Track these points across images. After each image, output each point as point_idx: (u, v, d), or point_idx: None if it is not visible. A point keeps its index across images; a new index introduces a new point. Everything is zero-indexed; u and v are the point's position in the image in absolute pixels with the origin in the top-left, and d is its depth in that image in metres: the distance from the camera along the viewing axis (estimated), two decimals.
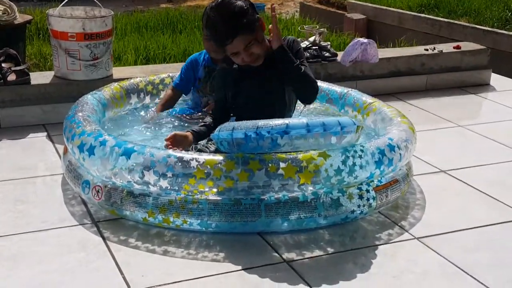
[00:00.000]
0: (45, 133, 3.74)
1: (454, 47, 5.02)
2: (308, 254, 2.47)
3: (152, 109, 3.63)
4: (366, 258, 2.46)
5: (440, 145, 3.72)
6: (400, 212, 2.84)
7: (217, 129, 2.59)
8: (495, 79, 5.05)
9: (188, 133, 2.83)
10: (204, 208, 2.54)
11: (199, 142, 2.90)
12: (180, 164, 2.51)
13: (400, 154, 2.76)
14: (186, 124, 3.39)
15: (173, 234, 2.59)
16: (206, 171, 2.49)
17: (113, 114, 3.50)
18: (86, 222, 2.69)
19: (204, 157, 2.54)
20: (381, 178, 2.74)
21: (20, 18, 4.74)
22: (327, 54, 4.52)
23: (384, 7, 8.53)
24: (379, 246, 2.55)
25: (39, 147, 3.55)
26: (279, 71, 2.85)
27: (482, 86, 4.94)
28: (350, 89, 3.65)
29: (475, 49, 5.05)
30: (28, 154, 3.43)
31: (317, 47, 4.51)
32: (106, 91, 3.48)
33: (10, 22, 4.60)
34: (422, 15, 8.06)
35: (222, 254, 2.46)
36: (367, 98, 3.49)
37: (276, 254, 2.47)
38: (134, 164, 2.55)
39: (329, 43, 4.68)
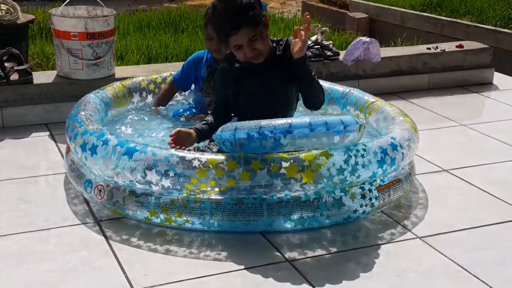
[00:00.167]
0: (48, 133, 3.75)
1: (456, 46, 5.01)
2: (310, 254, 2.47)
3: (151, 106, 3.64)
4: (368, 257, 2.46)
5: (443, 144, 3.72)
6: (403, 211, 2.84)
7: (219, 129, 2.58)
8: (498, 78, 5.04)
9: (192, 131, 2.83)
10: (206, 208, 2.54)
11: (201, 143, 2.90)
12: (182, 163, 2.51)
13: (403, 153, 2.76)
14: (189, 122, 3.39)
15: (175, 233, 2.59)
16: (208, 171, 2.49)
17: (115, 113, 3.50)
18: (88, 221, 2.69)
19: (206, 156, 2.54)
20: (383, 178, 2.74)
21: (22, 17, 4.74)
22: (329, 53, 4.51)
23: (386, 6, 8.51)
24: (381, 246, 2.55)
25: (41, 146, 3.56)
26: (291, 76, 2.86)
27: (485, 85, 4.93)
28: (352, 88, 3.65)
29: (478, 48, 5.04)
30: (30, 153, 3.44)
31: (319, 46, 4.50)
32: (109, 90, 3.48)
33: (13, 22, 4.61)
34: (425, 14, 8.04)
35: (224, 253, 2.46)
36: (369, 97, 3.49)
37: (278, 253, 2.47)
38: (137, 164, 2.56)
39: (331, 42, 4.68)
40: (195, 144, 2.87)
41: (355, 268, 2.39)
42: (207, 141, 2.96)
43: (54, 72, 4.08)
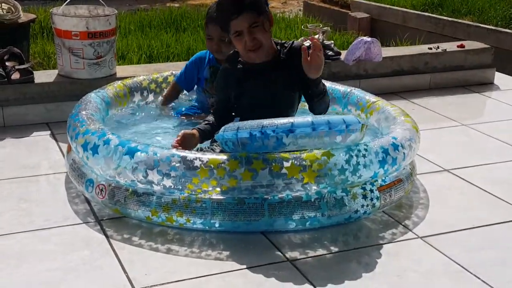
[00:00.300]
0: (49, 132, 3.75)
1: (458, 46, 5.00)
2: (311, 253, 2.47)
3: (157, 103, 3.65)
4: (369, 257, 2.46)
5: (444, 144, 3.71)
6: (404, 211, 2.84)
7: (221, 129, 2.58)
8: (499, 78, 5.04)
9: (195, 131, 2.83)
10: (208, 207, 2.54)
11: (203, 144, 2.90)
12: (183, 163, 2.51)
13: (404, 153, 2.75)
14: (192, 122, 3.40)
15: (176, 233, 2.59)
16: (209, 171, 2.49)
17: (116, 112, 3.51)
18: (89, 221, 2.69)
19: (207, 156, 2.54)
20: (385, 178, 2.74)
21: (24, 17, 4.74)
22: (330, 53, 4.51)
23: (388, 6, 8.51)
24: (382, 245, 2.55)
25: (42, 145, 3.56)
26: (295, 81, 2.87)
27: (486, 85, 4.93)
28: (353, 88, 3.64)
29: (479, 48, 5.04)
30: (31, 153, 3.44)
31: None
32: (110, 90, 3.48)
33: (14, 21, 4.61)
34: (426, 14, 8.04)
35: (225, 253, 2.46)
36: (371, 97, 3.48)
37: (280, 253, 2.47)
38: (138, 164, 2.56)
39: (332, 41, 4.68)
40: (199, 145, 2.87)
41: (356, 268, 2.39)
42: (210, 142, 2.96)
43: (55, 72, 4.09)
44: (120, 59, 5.35)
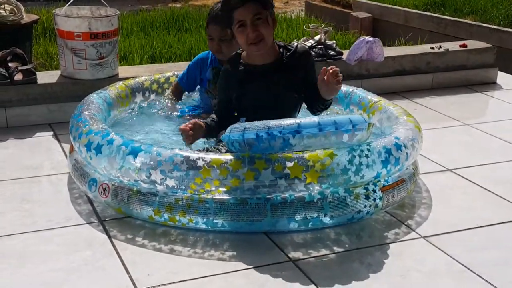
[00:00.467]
0: (51, 132, 3.75)
1: (460, 46, 5.00)
2: (314, 253, 2.47)
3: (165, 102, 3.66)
4: (372, 257, 2.46)
5: (447, 144, 3.71)
6: (407, 211, 2.83)
7: (228, 130, 2.58)
8: (502, 77, 5.04)
9: (203, 124, 2.84)
10: (210, 207, 2.54)
11: (209, 144, 2.91)
12: (186, 163, 2.51)
13: (407, 153, 2.75)
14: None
15: (179, 233, 2.59)
16: (212, 170, 2.49)
17: (118, 113, 3.51)
18: (92, 221, 2.69)
19: (210, 156, 2.54)
20: (387, 178, 2.73)
21: (26, 17, 4.75)
22: (332, 53, 4.51)
23: (390, 6, 8.51)
24: (385, 245, 2.55)
25: (45, 146, 3.56)
26: (298, 84, 2.90)
27: (489, 84, 4.93)
28: (355, 87, 3.64)
29: (481, 47, 5.03)
30: (34, 153, 3.44)
31: (322, 46, 4.50)
32: (112, 90, 3.48)
33: (17, 22, 4.61)
34: (428, 13, 8.03)
35: (228, 253, 2.46)
36: (373, 97, 3.48)
37: (282, 253, 2.47)
38: (140, 164, 2.56)
39: (334, 41, 4.67)
40: (203, 144, 2.87)
41: (359, 268, 2.38)
42: (215, 142, 2.97)
43: (58, 72, 4.09)
44: (122, 59, 5.36)
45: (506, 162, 3.43)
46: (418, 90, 4.71)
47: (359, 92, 3.57)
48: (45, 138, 3.68)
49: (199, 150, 2.72)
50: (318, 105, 2.94)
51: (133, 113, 3.62)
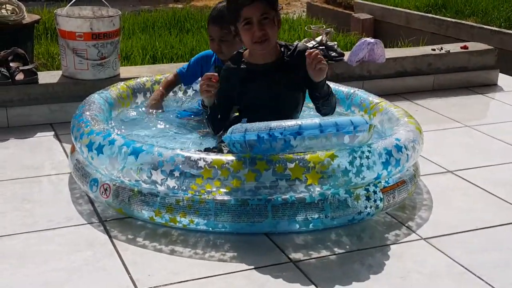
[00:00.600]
0: (53, 132, 3.76)
1: (461, 47, 5.00)
2: (315, 255, 2.47)
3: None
4: (373, 258, 2.46)
5: (447, 145, 3.71)
6: (407, 212, 2.83)
7: (229, 131, 2.58)
8: (503, 79, 5.04)
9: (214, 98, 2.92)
10: (211, 208, 2.54)
11: (210, 144, 2.92)
12: (187, 163, 2.51)
13: (407, 154, 2.75)
14: (194, 124, 3.39)
15: (180, 234, 2.59)
16: (213, 171, 2.49)
17: (118, 112, 3.51)
18: (93, 221, 2.70)
19: (211, 157, 2.54)
20: (388, 179, 2.74)
21: (28, 17, 4.75)
22: (334, 54, 4.51)
23: (391, 7, 8.51)
24: (386, 247, 2.55)
25: (46, 146, 3.56)
26: (299, 83, 2.89)
27: (490, 86, 4.93)
28: (356, 89, 3.64)
29: (483, 49, 5.04)
30: (35, 153, 3.45)
31: (324, 47, 4.50)
32: (113, 91, 3.49)
33: (18, 22, 4.62)
34: (429, 15, 8.04)
35: (229, 254, 2.46)
36: (374, 98, 3.48)
37: (283, 254, 2.47)
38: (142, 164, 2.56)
39: (336, 43, 4.67)
40: (206, 145, 2.88)
41: (359, 269, 2.39)
42: (217, 142, 2.97)
43: (59, 72, 4.09)
44: (124, 60, 5.36)
45: (506, 164, 3.43)
46: (419, 91, 4.71)
47: (361, 93, 3.57)
48: (46, 138, 3.68)
49: (200, 151, 2.72)
50: (314, 94, 2.91)
51: (135, 114, 3.61)
